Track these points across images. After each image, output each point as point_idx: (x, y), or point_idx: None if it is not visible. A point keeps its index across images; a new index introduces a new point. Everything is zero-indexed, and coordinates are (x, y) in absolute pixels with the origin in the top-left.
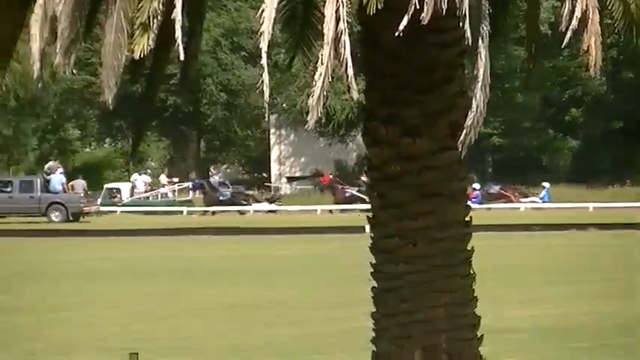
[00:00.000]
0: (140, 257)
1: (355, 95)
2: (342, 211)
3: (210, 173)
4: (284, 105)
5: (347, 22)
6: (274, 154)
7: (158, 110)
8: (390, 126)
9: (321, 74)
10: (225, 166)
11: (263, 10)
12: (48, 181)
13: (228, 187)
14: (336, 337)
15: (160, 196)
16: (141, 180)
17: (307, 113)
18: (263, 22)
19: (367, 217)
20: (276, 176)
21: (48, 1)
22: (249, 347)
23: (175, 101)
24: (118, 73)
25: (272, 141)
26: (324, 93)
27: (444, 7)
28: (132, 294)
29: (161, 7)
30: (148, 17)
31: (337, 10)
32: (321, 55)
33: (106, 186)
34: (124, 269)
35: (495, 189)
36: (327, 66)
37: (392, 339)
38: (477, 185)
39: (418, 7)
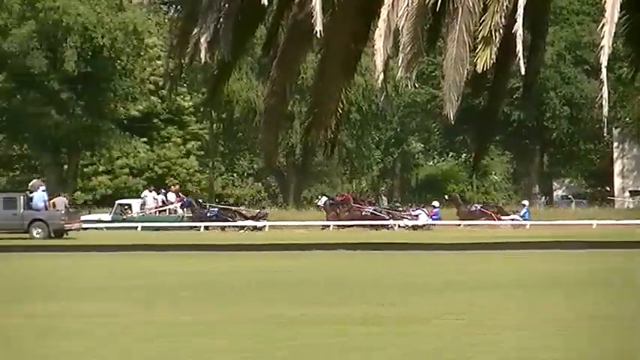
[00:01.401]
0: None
1: None
2: (339, 227)
3: (553, 187)
4: (627, 118)
5: None
6: (617, 167)
7: (502, 124)
8: None
9: None
10: (568, 179)
11: (603, 25)
12: (31, 199)
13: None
14: None
15: (168, 212)
16: (151, 196)
17: None
18: (603, 37)
19: None
20: (619, 190)
21: (391, 16)
22: None
23: (519, 115)
24: (460, 86)
25: (615, 155)
26: None
27: None
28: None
29: (503, 21)
30: (490, 31)
31: None
32: None
33: (117, 202)
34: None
35: (476, 207)
36: None
37: None
38: (436, 203)
39: None
